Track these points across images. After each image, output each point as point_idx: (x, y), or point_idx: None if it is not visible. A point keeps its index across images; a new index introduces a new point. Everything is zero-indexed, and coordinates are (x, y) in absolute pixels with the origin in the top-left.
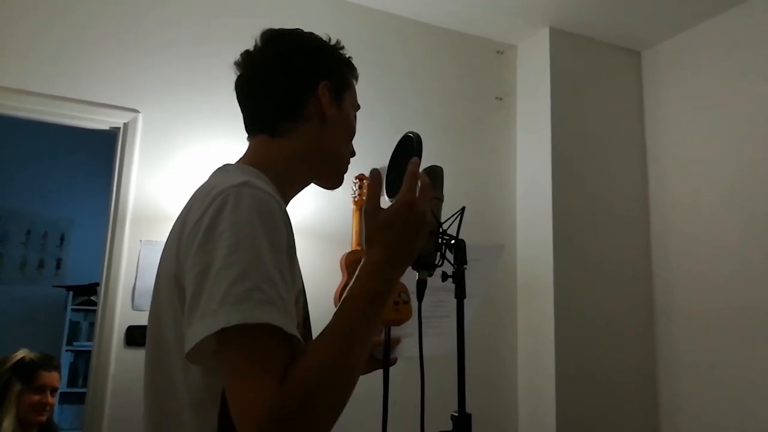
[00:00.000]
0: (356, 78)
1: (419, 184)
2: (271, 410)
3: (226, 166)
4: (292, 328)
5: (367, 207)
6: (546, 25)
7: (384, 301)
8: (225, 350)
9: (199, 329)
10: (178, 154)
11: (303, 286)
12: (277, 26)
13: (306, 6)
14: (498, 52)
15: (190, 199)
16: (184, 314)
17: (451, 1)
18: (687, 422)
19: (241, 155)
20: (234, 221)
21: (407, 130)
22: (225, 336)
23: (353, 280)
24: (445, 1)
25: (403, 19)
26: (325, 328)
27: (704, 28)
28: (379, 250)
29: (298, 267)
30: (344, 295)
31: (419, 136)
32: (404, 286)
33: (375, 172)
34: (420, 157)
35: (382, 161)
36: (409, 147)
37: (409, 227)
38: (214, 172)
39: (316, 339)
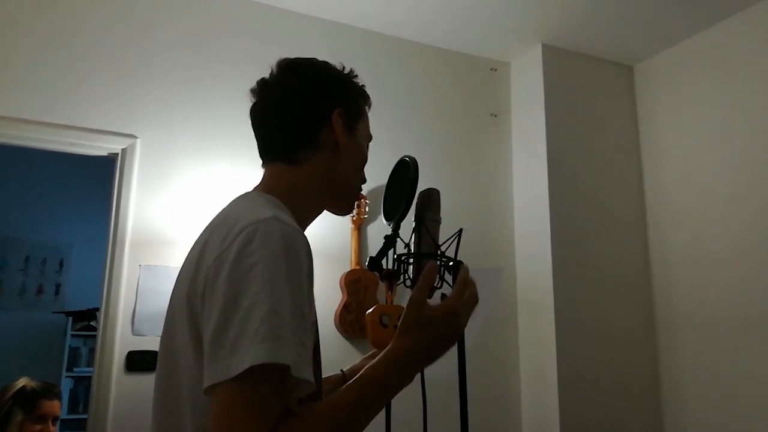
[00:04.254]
0: (369, 106)
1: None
2: None
3: (247, 195)
4: (308, 373)
5: (415, 297)
6: (538, 42)
7: (396, 392)
8: (229, 387)
9: (229, 365)
10: (177, 179)
11: (316, 317)
12: (275, 50)
13: (303, 29)
14: (492, 69)
15: (209, 226)
16: (191, 337)
17: (444, 20)
18: (692, 427)
19: (259, 182)
20: (263, 255)
21: (404, 151)
22: (247, 373)
23: (378, 359)
24: (438, 21)
25: (397, 40)
26: (337, 396)
27: (696, 40)
28: (411, 343)
29: (313, 300)
30: (365, 370)
31: (416, 161)
32: (401, 308)
33: (432, 266)
34: (417, 180)
35: (379, 180)
36: (405, 171)
37: (447, 334)
38: (235, 200)
39: (325, 403)
